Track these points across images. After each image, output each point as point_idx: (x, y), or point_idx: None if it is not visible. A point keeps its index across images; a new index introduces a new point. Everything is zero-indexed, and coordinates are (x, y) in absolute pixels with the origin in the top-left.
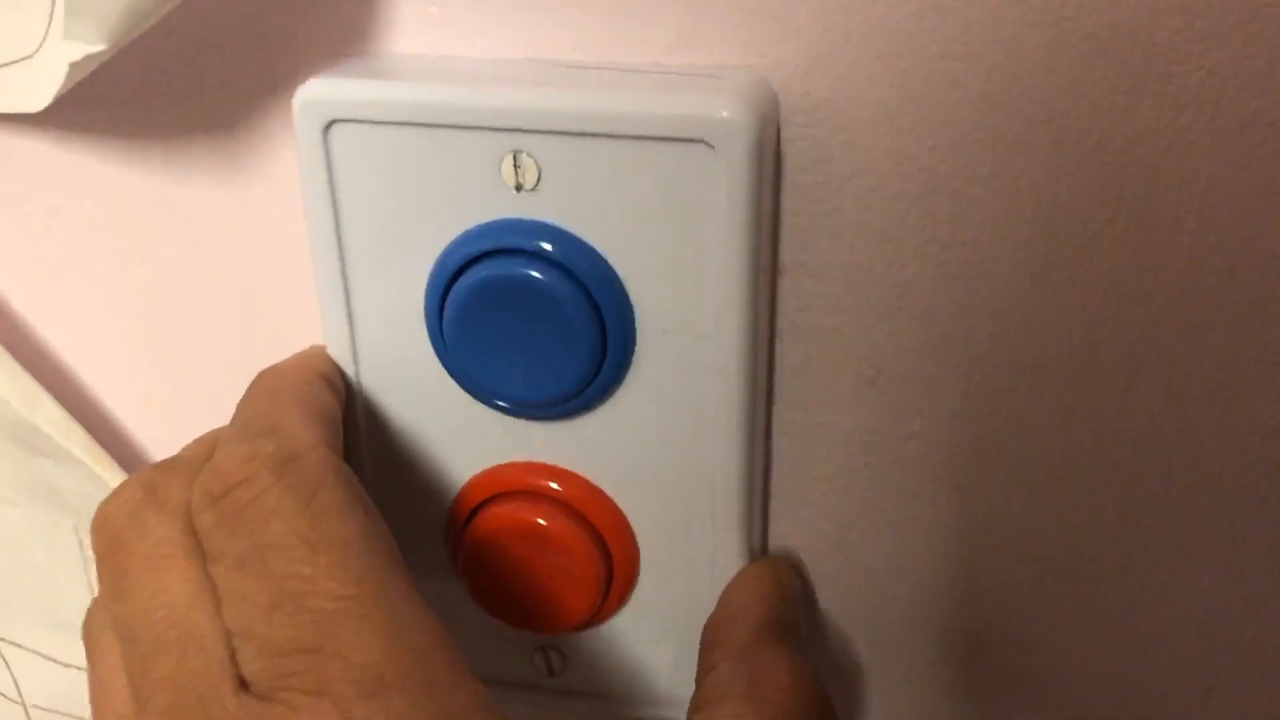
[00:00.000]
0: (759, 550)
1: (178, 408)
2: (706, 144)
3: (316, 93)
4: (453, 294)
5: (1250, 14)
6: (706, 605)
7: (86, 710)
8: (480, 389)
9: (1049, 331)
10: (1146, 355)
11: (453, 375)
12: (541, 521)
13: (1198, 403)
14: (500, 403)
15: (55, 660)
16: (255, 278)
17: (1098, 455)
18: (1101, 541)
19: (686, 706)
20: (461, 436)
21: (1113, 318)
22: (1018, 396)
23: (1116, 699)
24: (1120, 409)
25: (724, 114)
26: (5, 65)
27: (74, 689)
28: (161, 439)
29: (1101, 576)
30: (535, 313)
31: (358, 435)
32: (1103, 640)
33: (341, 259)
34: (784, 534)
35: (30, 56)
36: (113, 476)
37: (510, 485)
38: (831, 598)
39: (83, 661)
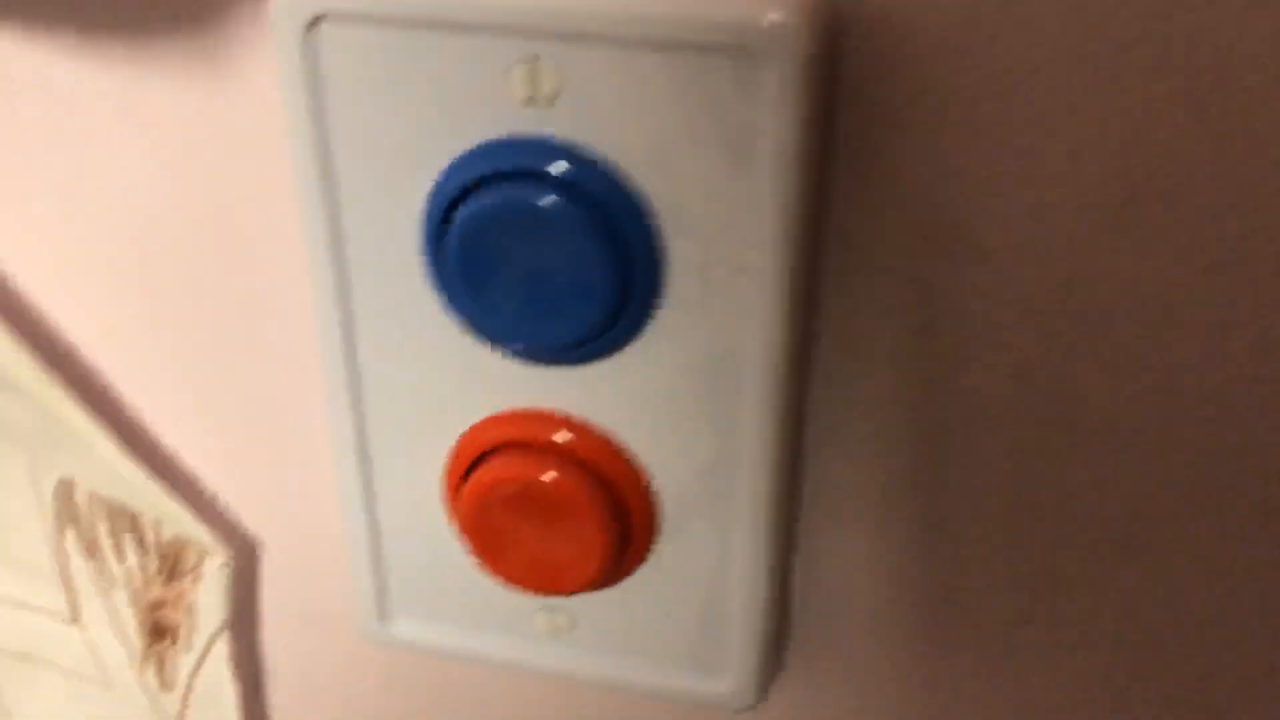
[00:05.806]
0: (795, 511)
1: (141, 337)
2: (751, 52)
3: None
4: (453, 223)
5: None
6: (735, 566)
7: (41, 650)
8: (484, 330)
9: (1126, 279)
10: (1234, 308)
11: (453, 314)
12: (545, 479)
13: None
14: (506, 345)
15: (8, 599)
16: (229, 195)
17: (1171, 415)
18: (1168, 509)
19: (711, 670)
20: (462, 381)
21: (1200, 265)
22: (1085, 349)
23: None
24: (1199, 365)
25: (772, 17)
26: None
27: (31, 628)
28: (123, 371)
29: (1165, 546)
30: (548, 245)
31: (353, 378)
32: (1165, 612)
33: (328, 180)
34: (822, 494)
35: None
36: (65, 410)
37: (514, 436)
38: (876, 557)
39: (37, 600)
